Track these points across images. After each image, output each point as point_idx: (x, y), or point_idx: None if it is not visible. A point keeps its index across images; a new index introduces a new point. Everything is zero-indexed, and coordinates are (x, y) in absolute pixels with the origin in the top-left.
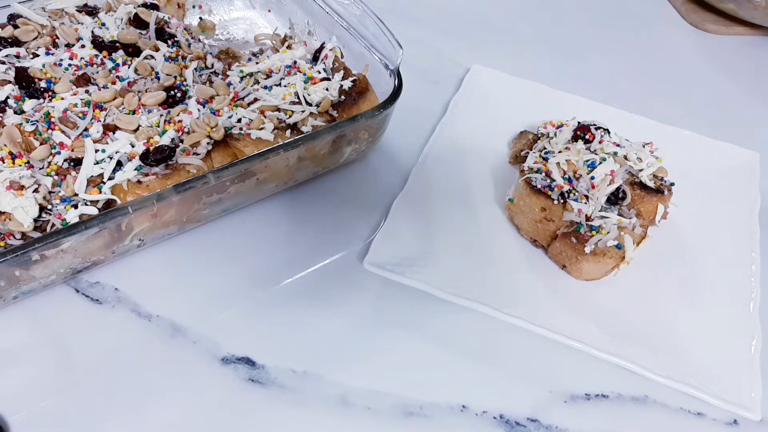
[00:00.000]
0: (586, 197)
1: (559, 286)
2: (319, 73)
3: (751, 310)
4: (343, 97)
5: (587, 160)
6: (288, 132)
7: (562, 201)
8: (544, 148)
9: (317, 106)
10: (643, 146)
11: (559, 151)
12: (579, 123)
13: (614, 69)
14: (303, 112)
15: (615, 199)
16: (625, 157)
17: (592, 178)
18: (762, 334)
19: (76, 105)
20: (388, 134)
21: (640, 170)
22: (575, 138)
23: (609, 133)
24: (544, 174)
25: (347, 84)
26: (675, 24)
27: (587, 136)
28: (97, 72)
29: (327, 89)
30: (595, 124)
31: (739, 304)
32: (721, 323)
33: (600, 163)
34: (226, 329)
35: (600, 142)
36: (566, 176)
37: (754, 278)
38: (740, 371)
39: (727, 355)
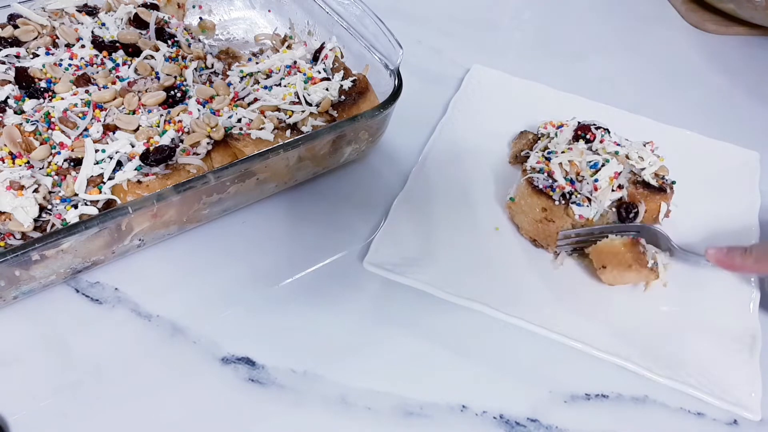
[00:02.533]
0: (589, 200)
1: (560, 286)
2: (319, 73)
3: (751, 310)
4: (343, 97)
5: (590, 161)
6: (288, 132)
7: (563, 202)
8: (546, 148)
9: (317, 106)
10: (644, 145)
11: (562, 152)
12: (579, 123)
13: (614, 69)
14: (303, 112)
15: (626, 214)
16: (627, 157)
17: (596, 180)
18: (762, 334)
19: (76, 105)
20: (388, 134)
21: (642, 169)
22: (576, 138)
23: (609, 132)
24: (546, 174)
25: (347, 84)
26: (675, 24)
27: (588, 136)
28: (97, 72)
29: (327, 89)
30: (595, 124)
31: (739, 304)
32: (721, 323)
33: (602, 164)
34: (226, 329)
35: (601, 142)
36: (568, 177)
37: (754, 278)
38: (740, 371)
39: (727, 355)
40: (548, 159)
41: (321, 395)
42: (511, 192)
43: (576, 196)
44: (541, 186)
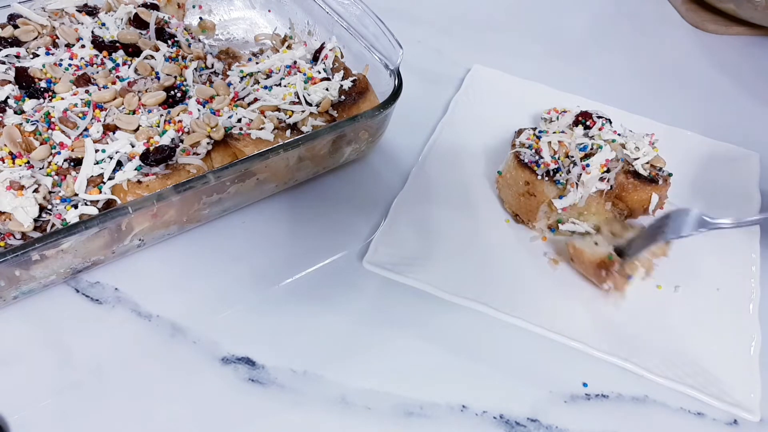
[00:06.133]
0: (576, 184)
1: (559, 285)
2: (319, 73)
3: (751, 311)
4: (343, 97)
5: (579, 144)
6: (288, 132)
7: (546, 178)
8: (537, 128)
9: (317, 106)
10: (644, 137)
11: (554, 132)
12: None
13: (614, 69)
14: (303, 112)
15: None
16: (623, 146)
17: (588, 165)
18: (762, 334)
19: (76, 105)
20: (388, 134)
21: (636, 159)
22: (576, 123)
23: (611, 123)
24: (533, 150)
25: (347, 84)
26: (675, 24)
27: (588, 122)
28: (97, 72)
29: (327, 89)
30: (597, 113)
31: (739, 304)
32: (721, 323)
33: (595, 148)
34: (226, 329)
35: (600, 129)
36: (556, 156)
37: (754, 279)
38: (740, 371)
39: (727, 355)
40: (539, 137)
41: (321, 395)
42: (501, 166)
43: (560, 175)
44: (526, 160)
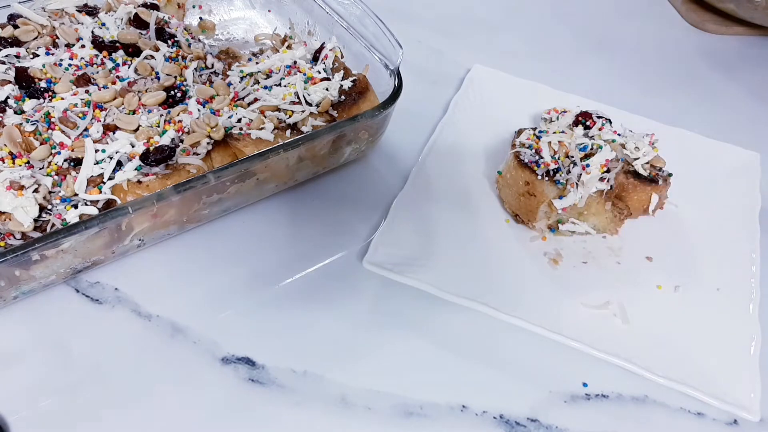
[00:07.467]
0: (577, 184)
1: (560, 285)
2: (319, 73)
3: (750, 311)
4: (343, 97)
5: (579, 144)
6: (288, 132)
7: (546, 177)
8: (537, 128)
9: (317, 106)
10: (644, 137)
11: (554, 132)
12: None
13: (614, 69)
14: (303, 112)
15: None
16: (623, 146)
17: (587, 165)
18: (762, 334)
19: (76, 105)
20: (388, 134)
21: (636, 159)
22: (576, 123)
23: (611, 123)
24: (534, 151)
25: (347, 84)
26: (675, 24)
27: (588, 123)
28: (97, 72)
29: (327, 89)
30: (597, 113)
31: (739, 305)
32: (721, 323)
33: (595, 148)
34: (226, 329)
35: (600, 129)
36: (556, 156)
37: (754, 279)
38: (740, 371)
39: (727, 355)
40: (539, 138)
41: (321, 395)
42: (501, 166)
43: (560, 175)
44: (527, 160)
